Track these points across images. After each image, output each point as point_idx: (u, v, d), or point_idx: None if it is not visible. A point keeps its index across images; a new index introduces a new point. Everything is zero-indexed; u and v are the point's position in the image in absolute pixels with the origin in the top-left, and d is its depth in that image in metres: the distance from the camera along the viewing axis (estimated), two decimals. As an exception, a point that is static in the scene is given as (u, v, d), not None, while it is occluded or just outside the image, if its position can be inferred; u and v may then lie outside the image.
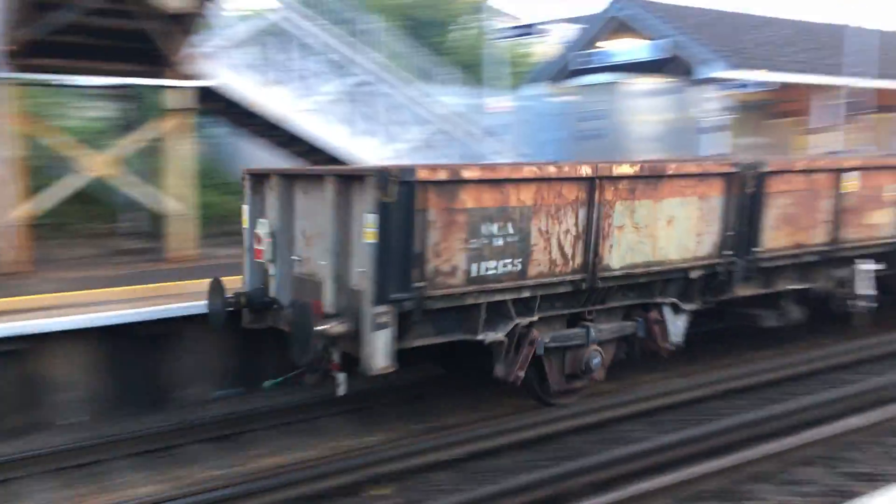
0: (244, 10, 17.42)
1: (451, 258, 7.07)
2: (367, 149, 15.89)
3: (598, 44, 23.17)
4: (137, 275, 11.50)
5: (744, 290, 9.48)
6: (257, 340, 9.28)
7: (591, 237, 7.90)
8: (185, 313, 9.17)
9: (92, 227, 15.79)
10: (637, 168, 8.16)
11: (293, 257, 8.12)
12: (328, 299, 7.33)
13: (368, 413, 8.76)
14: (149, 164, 14.73)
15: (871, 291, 10.42)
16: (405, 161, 15.32)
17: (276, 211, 8.21)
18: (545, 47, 31.77)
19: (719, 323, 10.65)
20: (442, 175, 6.95)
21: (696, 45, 21.37)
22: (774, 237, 9.43)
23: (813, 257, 9.95)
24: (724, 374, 9.64)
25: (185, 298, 9.48)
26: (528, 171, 7.56)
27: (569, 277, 7.83)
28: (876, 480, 6.53)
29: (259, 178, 8.56)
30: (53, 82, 13.71)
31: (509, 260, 7.42)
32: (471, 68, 24.07)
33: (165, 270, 11.91)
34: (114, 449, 7.82)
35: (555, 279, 7.75)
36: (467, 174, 7.10)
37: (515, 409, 8.57)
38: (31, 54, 11.98)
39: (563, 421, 8.13)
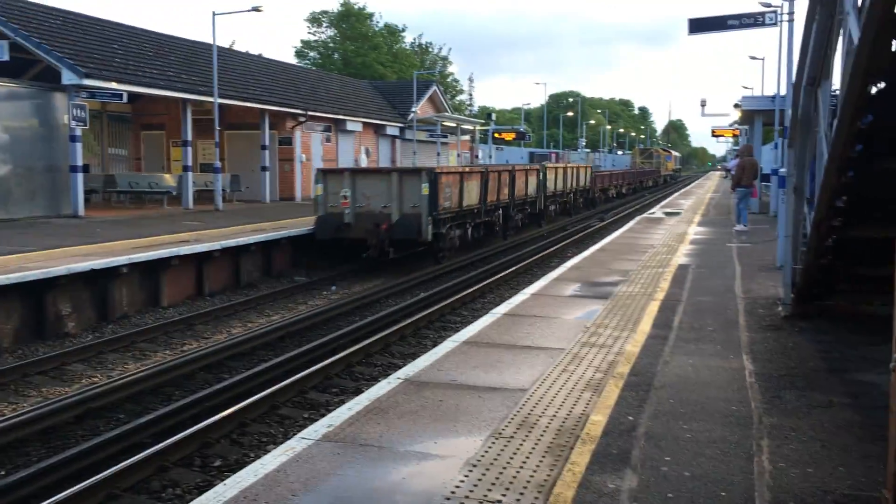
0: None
1: (444, 200, 18.31)
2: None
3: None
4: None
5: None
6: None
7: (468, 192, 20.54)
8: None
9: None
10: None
11: (358, 205, 18.22)
12: (391, 219, 17.94)
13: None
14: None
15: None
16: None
17: (348, 185, 18.25)
18: None
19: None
20: (443, 171, 18.78)
21: (48, 50, 20.50)
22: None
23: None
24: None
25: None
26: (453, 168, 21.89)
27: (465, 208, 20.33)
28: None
29: (325, 172, 19.30)
30: None
31: (449, 201, 18.74)
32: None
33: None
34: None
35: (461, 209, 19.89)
36: (444, 172, 18.74)
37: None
38: None
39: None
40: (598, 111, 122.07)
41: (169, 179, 27.13)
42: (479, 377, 6.66)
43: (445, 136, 43.96)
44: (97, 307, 13.08)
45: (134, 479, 6.54)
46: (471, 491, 4.34)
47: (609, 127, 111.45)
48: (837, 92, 6.58)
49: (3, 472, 6.94)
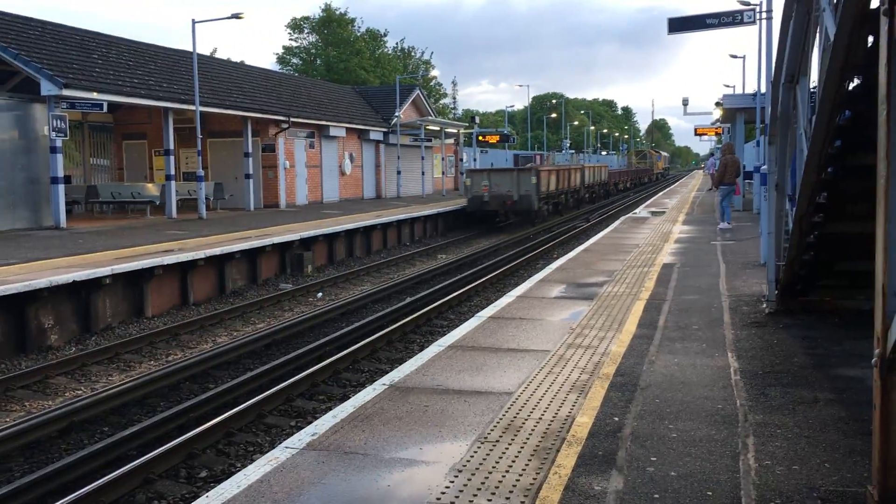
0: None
1: (542, 187, 31.37)
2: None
3: None
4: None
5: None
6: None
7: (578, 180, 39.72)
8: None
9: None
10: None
11: (493, 189, 30.49)
12: (513, 198, 30.43)
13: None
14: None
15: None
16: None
17: (487, 179, 30.98)
18: None
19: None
20: (543, 169, 33.17)
21: (27, 61, 20.28)
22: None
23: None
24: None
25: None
26: (546, 168, 35.65)
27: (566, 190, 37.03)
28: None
29: (472, 171, 33.65)
30: None
31: (545, 187, 32.17)
32: None
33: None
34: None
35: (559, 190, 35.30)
36: (543, 170, 32.96)
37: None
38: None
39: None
40: (582, 112, 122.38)
41: (152, 189, 26.98)
42: (465, 381, 6.64)
43: (430, 140, 43.94)
44: (80, 319, 12.97)
45: (119, 492, 6.47)
46: (456, 497, 4.31)
47: (593, 128, 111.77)
48: (816, 88, 6.60)
49: (-15, 489, 6.86)
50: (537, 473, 4.61)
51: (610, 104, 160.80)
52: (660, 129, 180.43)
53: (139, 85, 24.18)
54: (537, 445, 5.07)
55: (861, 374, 6.52)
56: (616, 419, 5.57)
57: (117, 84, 23.04)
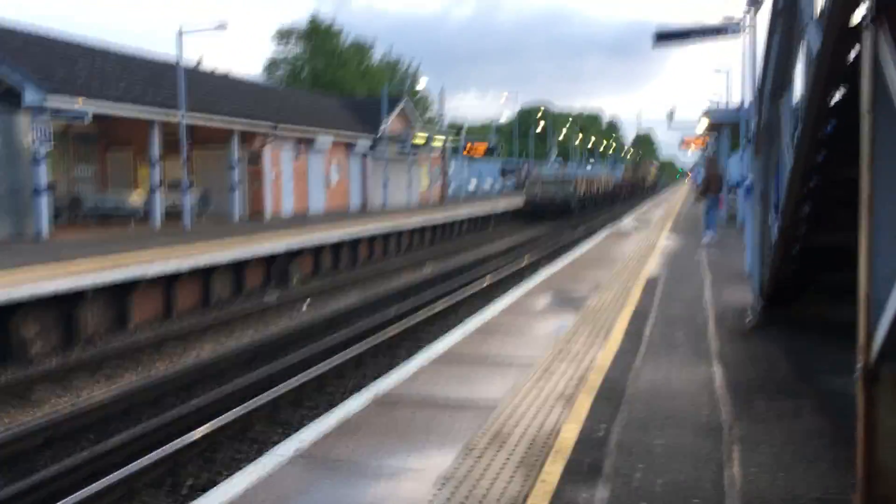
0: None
1: (579, 191, 46.21)
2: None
3: None
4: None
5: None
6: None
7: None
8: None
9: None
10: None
11: (544, 191, 45.03)
12: (558, 199, 43.76)
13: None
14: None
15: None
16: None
17: (540, 186, 45.79)
18: None
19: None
20: (579, 179, 49.26)
21: (10, 70, 20.26)
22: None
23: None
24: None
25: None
26: (580, 177, 51.61)
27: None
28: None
29: (532, 182, 48.23)
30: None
31: (580, 192, 47.15)
32: None
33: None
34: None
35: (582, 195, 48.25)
36: (579, 178, 49.61)
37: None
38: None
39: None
40: (570, 120, 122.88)
41: (136, 199, 26.84)
42: (453, 389, 6.63)
43: (416, 151, 43.99)
44: (63, 330, 12.87)
45: (102, 503, 6.41)
46: (443, 507, 4.30)
47: (578, 141, 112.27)
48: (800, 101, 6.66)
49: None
50: (523, 484, 4.61)
51: (595, 119, 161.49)
52: (645, 142, 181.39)
53: (124, 94, 24.09)
54: (523, 456, 5.06)
55: (845, 385, 6.54)
56: (602, 430, 5.57)
57: (102, 93, 22.93)
